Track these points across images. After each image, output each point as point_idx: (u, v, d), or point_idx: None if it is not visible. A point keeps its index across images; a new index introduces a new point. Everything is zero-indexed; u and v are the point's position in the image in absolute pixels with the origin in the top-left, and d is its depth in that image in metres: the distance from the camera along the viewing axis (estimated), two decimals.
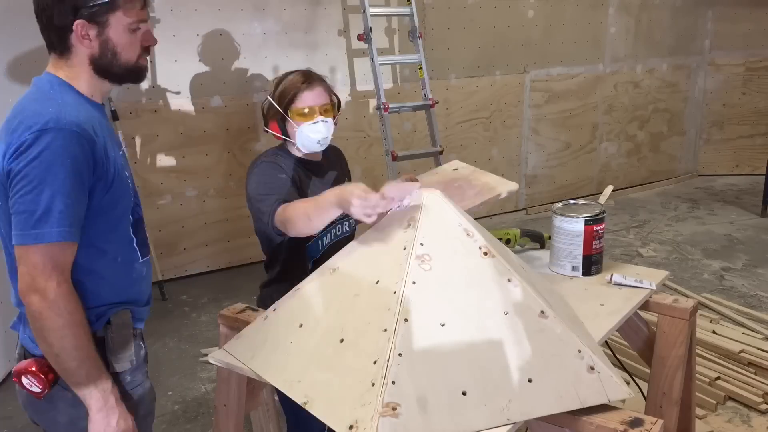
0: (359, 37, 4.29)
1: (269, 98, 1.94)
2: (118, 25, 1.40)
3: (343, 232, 2.04)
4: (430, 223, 1.46)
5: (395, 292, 1.36)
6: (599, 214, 1.95)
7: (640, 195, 6.36)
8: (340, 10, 4.67)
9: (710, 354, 3.18)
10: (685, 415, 2.02)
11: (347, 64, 4.78)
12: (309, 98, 1.88)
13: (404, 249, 1.42)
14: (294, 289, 1.61)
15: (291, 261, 2.00)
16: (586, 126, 6.07)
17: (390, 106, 4.22)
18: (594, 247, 1.93)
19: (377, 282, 1.42)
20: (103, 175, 1.39)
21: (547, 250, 2.08)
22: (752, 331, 3.43)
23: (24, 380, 1.41)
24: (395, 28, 4.90)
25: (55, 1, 1.37)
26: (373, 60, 4.23)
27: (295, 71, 1.96)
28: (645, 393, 1.95)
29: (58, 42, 1.41)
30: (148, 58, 1.52)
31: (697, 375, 2.73)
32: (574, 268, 1.95)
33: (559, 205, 2.04)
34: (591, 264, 1.95)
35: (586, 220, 1.92)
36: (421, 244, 1.42)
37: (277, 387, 1.42)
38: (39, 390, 1.41)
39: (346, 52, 4.76)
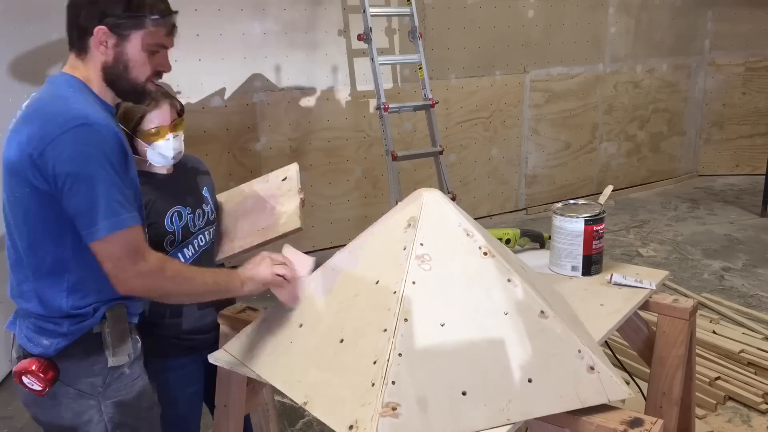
0: (359, 37, 4.29)
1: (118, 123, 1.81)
2: (137, 42, 1.43)
3: (205, 242, 1.93)
4: (430, 223, 1.46)
5: (395, 292, 1.36)
6: (599, 214, 1.95)
7: (640, 195, 6.36)
8: (340, 10, 4.67)
9: (710, 354, 3.18)
10: (685, 415, 2.02)
11: (347, 64, 4.78)
12: (158, 117, 1.78)
13: (404, 249, 1.42)
14: None
15: None
16: (586, 126, 6.07)
17: (390, 106, 4.22)
18: (594, 247, 1.93)
19: (377, 282, 1.42)
20: (126, 169, 1.41)
21: (547, 250, 2.08)
22: (752, 331, 3.43)
23: (25, 380, 1.42)
24: (395, 28, 4.90)
25: (87, 1, 1.40)
26: (373, 60, 4.23)
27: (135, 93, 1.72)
28: (645, 393, 1.95)
29: (76, 40, 1.44)
30: (154, 84, 1.53)
31: (697, 375, 2.73)
32: (574, 268, 1.95)
33: (559, 205, 2.04)
34: (591, 264, 1.95)
35: (586, 220, 1.92)
36: (421, 244, 1.42)
37: (277, 387, 1.42)
38: (40, 388, 1.42)
39: (346, 52, 4.76)
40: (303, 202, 1.92)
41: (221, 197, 2.06)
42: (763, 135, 6.69)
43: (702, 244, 4.97)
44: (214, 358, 1.60)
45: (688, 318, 1.82)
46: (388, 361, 1.25)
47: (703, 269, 4.48)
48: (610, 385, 1.32)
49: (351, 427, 1.21)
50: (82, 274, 1.41)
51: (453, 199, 4.24)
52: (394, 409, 1.20)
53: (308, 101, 4.70)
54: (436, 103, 4.46)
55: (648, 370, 1.93)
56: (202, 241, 1.91)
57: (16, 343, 1.50)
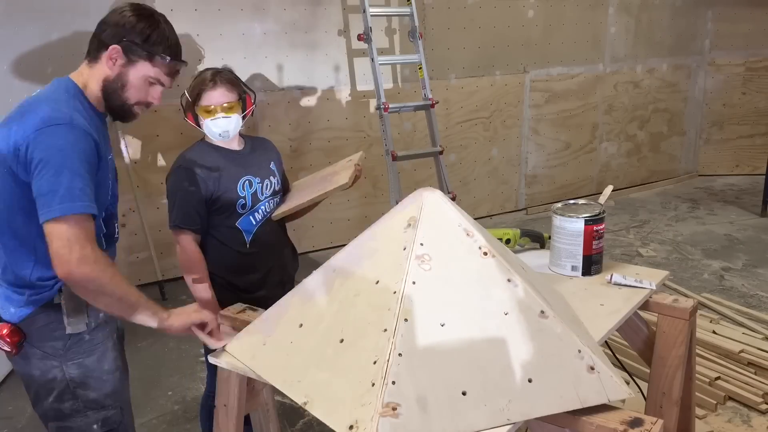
0: (359, 37, 4.29)
1: (186, 92, 2.16)
2: (141, 70, 1.63)
3: (271, 209, 2.25)
4: (430, 223, 1.46)
5: (395, 292, 1.36)
6: (599, 214, 1.94)
7: (640, 195, 6.36)
8: (340, 10, 4.67)
9: (710, 354, 3.18)
10: (685, 415, 2.02)
11: (347, 64, 4.78)
12: (213, 98, 2.09)
13: (404, 249, 1.42)
14: (294, 289, 1.61)
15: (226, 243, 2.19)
16: (586, 126, 6.07)
17: (390, 106, 4.22)
18: (594, 247, 1.93)
19: (377, 282, 1.42)
20: (95, 171, 1.57)
21: (547, 250, 2.08)
22: (752, 331, 3.43)
23: (9, 336, 1.63)
24: (395, 28, 4.90)
25: (116, 23, 1.62)
26: (373, 60, 4.23)
27: (208, 69, 2.17)
28: (645, 393, 1.95)
29: (93, 50, 1.64)
30: (141, 110, 1.71)
31: (697, 375, 2.73)
32: (574, 268, 1.95)
33: (559, 205, 2.04)
34: (591, 264, 1.95)
35: (586, 220, 1.92)
36: (421, 244, 1.42)
37: (277, 387, 1.42)
38: (9, 350, 1.64)
39: (346, 52, 4.76)
40: (359, 173, 2.31)
41: (298, 180, 2.50)
42: (763, 135, 6.70)
43: (702, 244, 4.97)
44: (214, 358, 1.60)
45: (688, 318, 1.82)
46: (388, 361, 1.25)
47: (703, 269, 4.48)
48: (610, 385, 1.32)
49: (351, 427, 1.21)
50: (47, 251, 1.51)
51: (453, 199, 4.24)
52: (394, 409, 1.20)
53: (308, 101, 4.70)
54: (436, 103, 4.46)
55: (648, 370, 1.93)
56: (268, 208, 2.23)
57: None
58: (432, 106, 4.41)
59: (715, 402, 2.87)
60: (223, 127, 2.11)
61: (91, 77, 1.64)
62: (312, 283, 1.57)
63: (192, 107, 2.13)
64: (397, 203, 1.62)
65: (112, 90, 1.64)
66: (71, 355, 1.66)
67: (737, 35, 6.54)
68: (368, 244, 1.54)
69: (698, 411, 2.74)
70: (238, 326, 1.74)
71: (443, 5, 5.08)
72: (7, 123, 1.56)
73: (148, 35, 1.62)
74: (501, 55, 5.45)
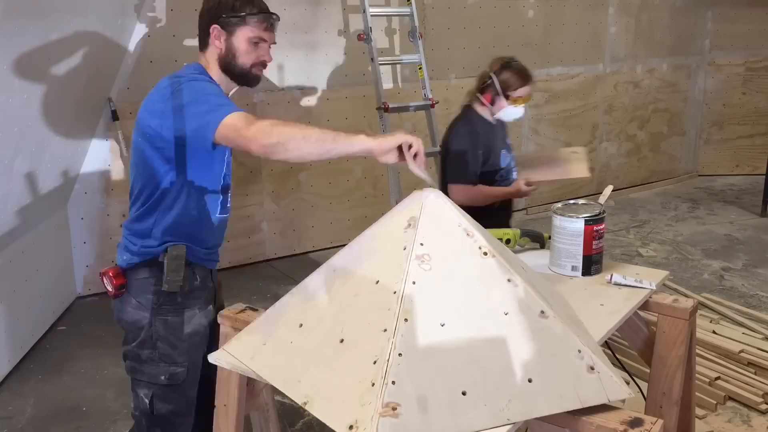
0: (359, 37, 4.28)
1: (494, 77, 2.83)
2: (241, 36, 1.85)
3: (510, 181, 2.90)
4: (430, 223, 1.46)
5: (395, 292, 1.36)
6: (599, 214, 1.94)
7: (640, 195, 6.36)
8: (340, 10, 4.67)
9: (710, 354, 3.18)
10: (685, 415, 2.02)
11: (347, 65, 4.78)
12: (524, 92, 2.80)
13: (404, 249, 1.42)
14: (294, 288, 1.61)
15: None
16: (586, 126, 6.07)
17: (390, 106, 4.22)
18: (594, 247, 1.93)
19: (377, 282, 1.42)
20: None
21: (547, 250, 2.08)
22: (752, 331, 3.43)
23: (104, 279, 1.86)
24: (395, 28, 4.90)
25: (209, 8, 1.87)
26: (373, 60, 4.23)
27: (519, 69, 2.90)
28: (645, 393, 1.95)
29: (201, 40, 1.90)
30: (259, 70, 1.91)
31: (697, 375, 2.73)
32: (574, 268, 1.95)
33: (559, 204, 2.04)
34: (591, 264, 1.95)
35: (586, 220, 1.91)
36: (421, 244, 1.42)
37: (277, 387, 1.42)
38: (110, 290, 1.86)
39: (346, 52, 4.76)
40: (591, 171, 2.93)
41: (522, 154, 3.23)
42: (763, 135, 6.70)
43: (702, 244, 4.97)
44: (214, 358, 1.60)
45: (688, 318, 1.82)
46: (388, 361, 1.25)
47: (703, 269, 4.48)
48: (610, 385, 1.32)
49: (351, 427, 1.21)
50: (171, 212, 1.81)
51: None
52: (394, 409, 1.20)
53: (308, 101, 4.70)
54: (436, 103, 4.46)
55: (648, 370, 1.93)
56: (509, 178, 2.88)
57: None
58: (432, 106, 4.41)
59: (715, 402, 2.87)
60: (519, 114, 2.84)
61: (208, 60, 1.89)
62: (312, 283, 1.57)
63: (498, 92, 2.79)
64: (397, 203, 1.62)
65: (227, 62, 1.87)
66: (161, 311, 1.84)
67: (737, 35, 6.54)
68: (368, 244, 1.54)
69: (698, 411, 2.74)
70: (238, 326, 1.74)
71: (443, 5, 5.08)
72: (149, 95, 1.84)
73: (232, 4, 1.84)
74: (501, 55, 5.44)
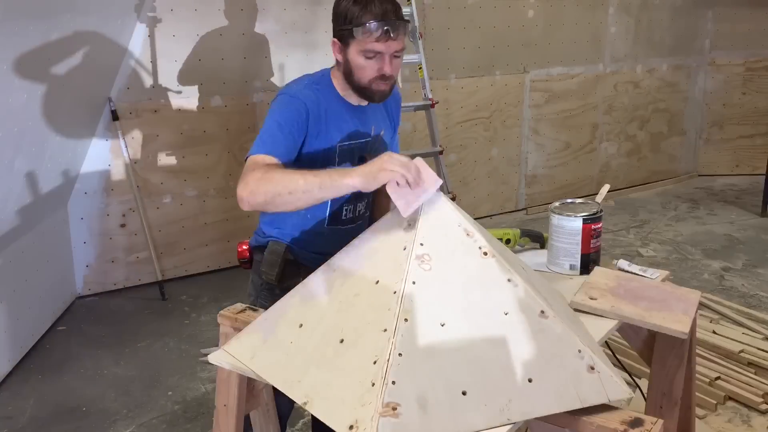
0: None
1: None
2: (354, 49, 1.74)
3: None
4: (430, 223, 1.46)
5: (395, 292, 1.36)
6: (597, 212, 1.95)
7: (640, 195, 6.36)
8: None
9: (710, 354, 3.18)
10: (685, 415, 2.02)
11: None
12: None
13: (404, 249, 1.42)
14: (294, 288, 1.61)
15: None
16: (586, 126, 6.07)
17: None
18: (592, 245, 1.94)
19: (377, 282, 1.42)
20: (301, 130, 1.76)
21: (546, 250, 2.08)
22: (752, 331, 3.43)
23: (240, 251, 2.03)
24: None
25: (333, 20, 1.81)
26: None
27: None
28: (645, 393, 1.95)
29: (332, 50, 1.83)
30: (379, 84, 1.77)
31: (697, 375, 2.73)
32: (572, 267, 1.95)
33: (557, 204, 2.04)
34: (589, 262, 1.95)
35: (583, 219, 1.92)
36: (421, 244, 1.42)
37: (277, 387, 1.42)
38: (244, 260, 2.03)
39: None
40: None
41: None
42: (763, 135, 6.69)
43: (702, 244, 4.97)
44: (214, 358, 1.60)
45: None
46: (388, 361, 1.25)
47: (703, 269, 4.48)
48: (611, 385, 1.32)
49: (351, 427, 1.21)
50: (277, 217, 1.91)
51: (453, 199, 4.24)
52: (394, 409, 1.20)
53: None
54: (436, 103, 4.46)
55: (648, 370, 1.93)
56: None
57: None
58: (432, 106, 4.41)
59: (715, 402, 2.87)
60: None
61: (337, 71, 1.83)
62: (312, 283, 1.57)
63: None
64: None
65: (348, 77, 1.79)
66: (261, 296, 1.96)
67: (737, 35, 6.54)
68: (368, 244, 1.54)
69: (698, 411, 2.74)
70: (238, 326, 1.74)
71: (443, 5, 5.08)
72: None
73: (345, 14, 1.73)
74: (501, 55, 5.45)
